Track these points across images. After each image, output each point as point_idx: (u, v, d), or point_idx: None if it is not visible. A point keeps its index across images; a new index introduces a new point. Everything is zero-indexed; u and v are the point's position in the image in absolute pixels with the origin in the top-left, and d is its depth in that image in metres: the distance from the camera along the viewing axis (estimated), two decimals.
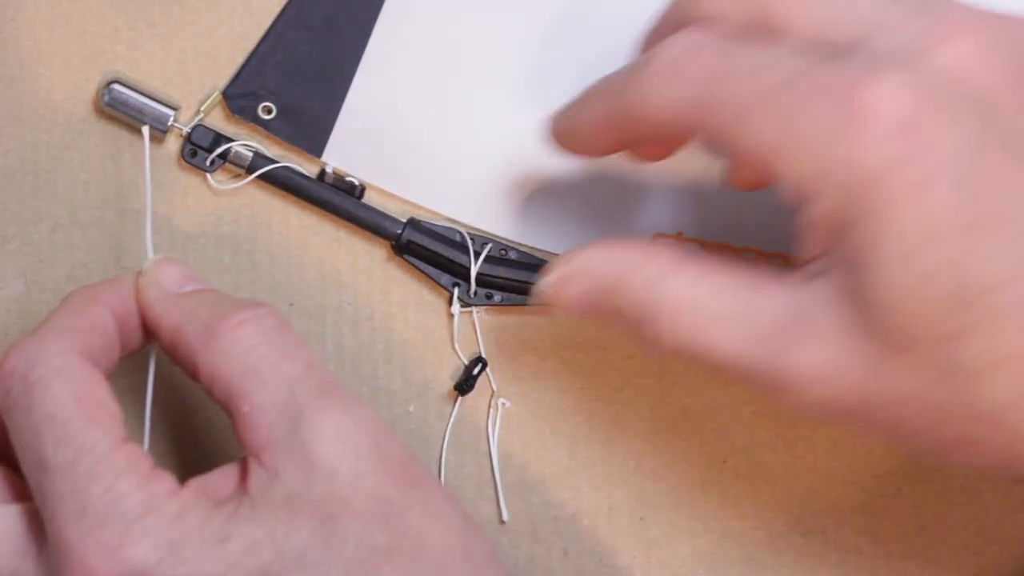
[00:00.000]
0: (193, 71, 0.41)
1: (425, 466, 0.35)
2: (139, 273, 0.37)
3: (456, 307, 0.40)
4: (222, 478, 0.33)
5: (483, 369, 0.41)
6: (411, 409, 0.41)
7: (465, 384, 0.41)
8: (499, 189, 0.41)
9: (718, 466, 0.41)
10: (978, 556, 0.42)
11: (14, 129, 0.41)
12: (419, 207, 0.41)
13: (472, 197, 0.40)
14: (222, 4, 0.41)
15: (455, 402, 0.41)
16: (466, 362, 0.41)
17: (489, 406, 0.41)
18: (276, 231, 0.41)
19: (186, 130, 0.40)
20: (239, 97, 0.41)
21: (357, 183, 0.41)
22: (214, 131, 0.40)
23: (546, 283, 0.36)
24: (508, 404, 0.41)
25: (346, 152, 0.41)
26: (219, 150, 0.40)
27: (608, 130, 0.35)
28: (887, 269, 0.30)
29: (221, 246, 0.41)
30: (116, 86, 0.40)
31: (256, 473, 0.33)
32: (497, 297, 0.41)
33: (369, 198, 0.41)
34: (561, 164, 0.38)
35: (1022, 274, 0.30)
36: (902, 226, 0.30)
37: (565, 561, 0.41)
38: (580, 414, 0.41)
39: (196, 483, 0.33)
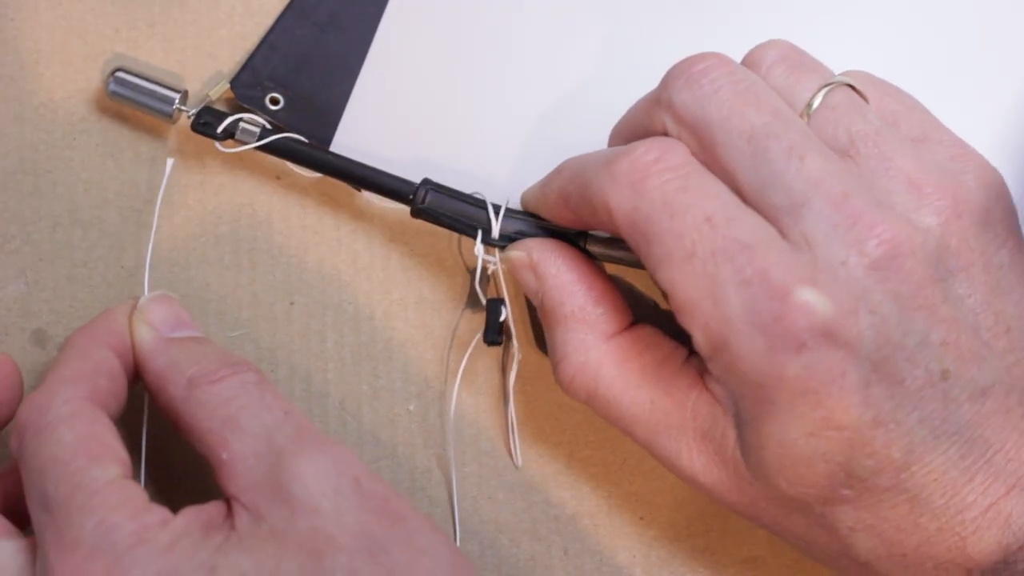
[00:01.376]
0: (193, 71, 0.41)
1: (408, 502, 0.35)
2: (134, 307, 0.38)
3: (480, 247, 0.39)
4: (215, 511, 0.34)
5: (506, 314, 0.40)
6: (411, 408, 0.41)
7: (492, 331, 0.40)
8: (510, 180, 0.41)
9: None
10: None
11: (14, 129, 0.41)
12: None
13: (481, 187, 0.40)
14: (222, 4, 0.41)
15: (466, 353, 0.41)
16: (484, 300, 0.40)
17: (505, 360, 0.41)
18: (276, 231, 0.41)
19: (193, 112, 0.40)
20: (246, 87, 0.41)
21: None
22: (221, 111, 0.40)
23: (513, 256, 0.38)
24: (520, 355, 0.41)
25: (354, 143, 0.41)
26: (227, 121, 0.40)
27: (570, 208, 0.37)
28: (785, 445, 0.33)
29: (221, 246, 0.41)
30: (121, 73, 0.40)
31: (240, 514, 0.33)
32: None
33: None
34: (569, 156, 0.38)
35: (906, 464, 0.32)
36: (811, 421, 0.32)
37: (565, 560, 0.41)
38: (580, 414, 0.41)
39: (189, 512, 0.33)
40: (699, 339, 0.33)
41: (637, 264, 0.37)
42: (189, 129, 0.40)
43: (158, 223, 0.41)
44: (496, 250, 0.39)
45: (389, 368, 0.41)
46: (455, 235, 0.41)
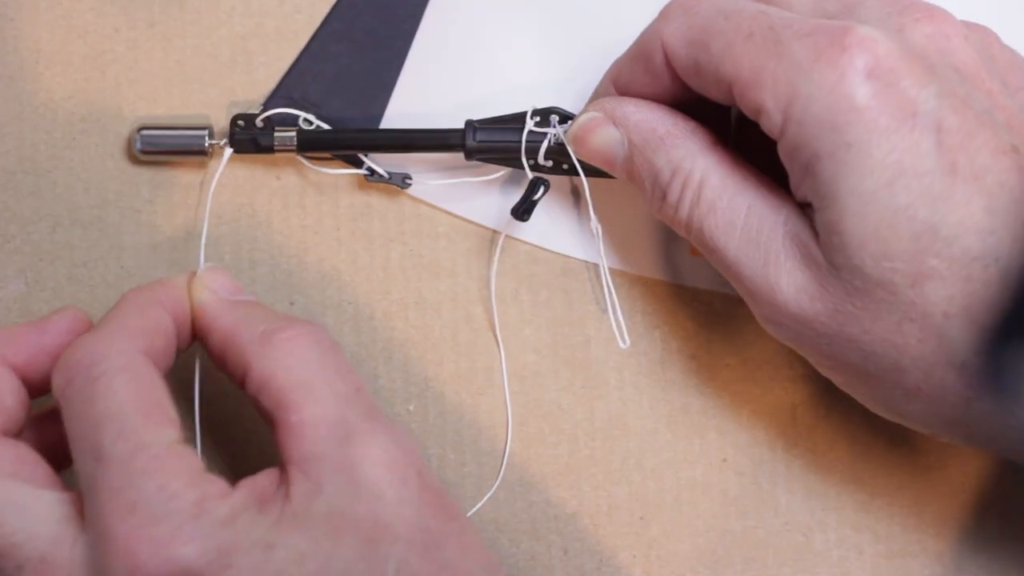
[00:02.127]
0: (193, 71, 0.41)
1: (458, 503, 0.35)
2: (192, 275, 0.38)
3: (526, 167, 0.39)
4: (267, 482, 0.33)
5: (546, 190, 0.39)
6: (411, 408, 0.41)
7: (525, 208, 0.40)
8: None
9: (718, 465, 0.41)
10: (977, 554, 0.42)
11: (14, 129, 0.41)
12: (458, 217, 0.41)
13: (511, 205, 0.40)
14: (222, 4, 0.41)
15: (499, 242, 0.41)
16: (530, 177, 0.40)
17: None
18: (276, 231, 0.41)
19: (224, 142, 0.40)
20: (280, 109, 0.41)
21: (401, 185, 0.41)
22: (252, 115, 0.40)
23: (583, 121, 0.38)
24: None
25: (387, 163, 0.41)
26: (260, 117, 0.40)
27: (627, 81, 0.37)
28: (864, 205, 0.31)
29: (221, 245, 0.41)
30: (145, 131, 0.40)
31: (299, 483, 0.33)
32: (565, 166, 0.40)
33: (413, 207, 0.41)
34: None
35: (991, 228, 0.31)
36: (884, 163, 0.31)
37: (565, 560, 0.41)
38: (580, 414, 0.41)
39: (246, 486, 0.33)
40: (768, 103, 0.33)
41: None
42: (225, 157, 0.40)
43: (157, 221, 0.41)
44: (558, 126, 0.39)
45: (389, 368, 0.41)
46: (455, 236, 0.41)
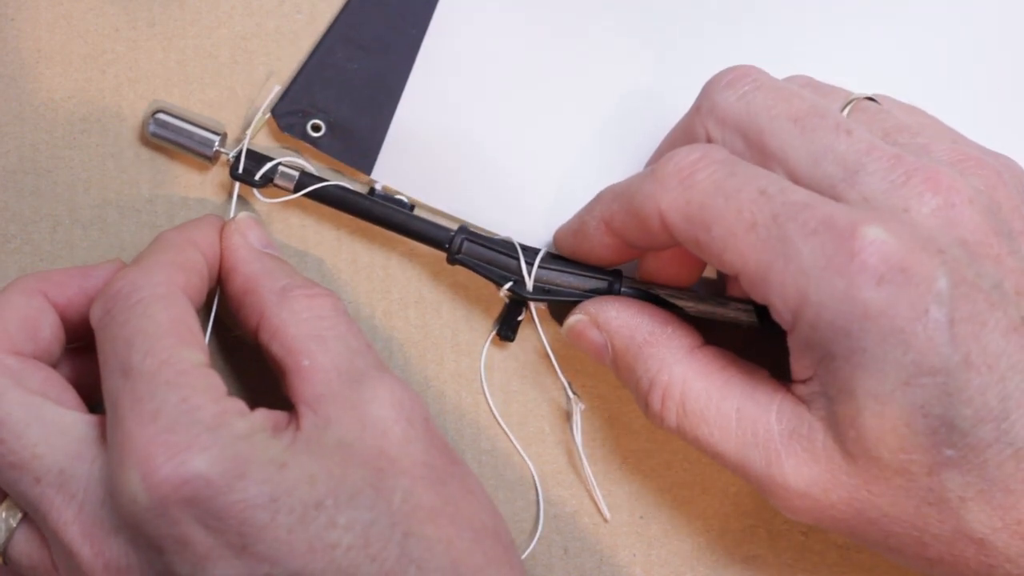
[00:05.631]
0: (193, 71, 0.41)
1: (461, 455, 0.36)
2: (225, 223, 0.39)
3: (503, 291, 0.40)
4: (280, 415, 0.35)
5: (527, 310, 0.40)
6: None
7: (509, 327, 0.41)
8: (549, 206, 0.41)
9: (718, 464, 0.41)
10: None
11: (15, 128, 0.41)
12: (458, 219, 0.41)
13: (521, 214, 0.41)
14: (222, 4, 0.41)
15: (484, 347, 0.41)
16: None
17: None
18: (276, 231, 0.41)
19: (231, 155, 0.40)
20: (288, 114, 0.41)
21: (406, 200, 0.41)
22: (260, 154, 0.40)
23: (571, 323, 0.39)
24: (583, 406, 0.41)
25: (395, 169, 0.41)
26: (264, 169, 0.40)
27: (613, 231, 0.37)
28: (880, 401, 0.32)
29: None
30: (161, 115, 0.40)
31: (308, 418, 0.34)
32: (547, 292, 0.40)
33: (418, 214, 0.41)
34: (612, 180, 0.38)
35: (1005, 413, 0.31)
36: (900, 360, 0.31)
37: (565, 559, 0.41)
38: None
39: (263, 410, 0.34)
40: (778, 304, 0.33)
41: (668, 303, 0.38)
42: (227, 169, 0.40)
43: (158, 222, 0.41)
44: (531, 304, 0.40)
45: (389, 367, 0.41)
46: None
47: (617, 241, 0.37)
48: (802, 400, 0.34)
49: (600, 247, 0.38)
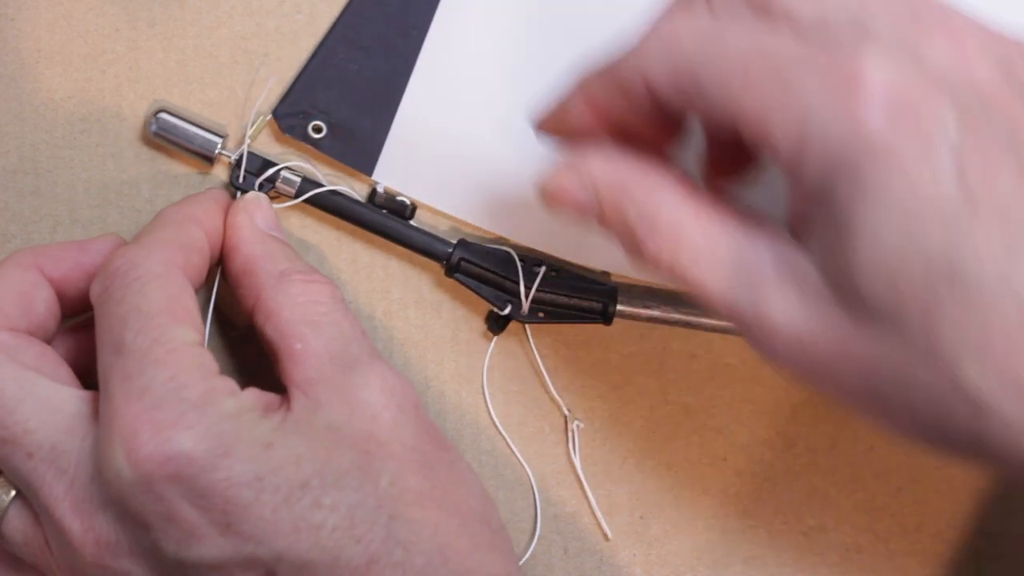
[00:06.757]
0: (193, 71, 0.41)
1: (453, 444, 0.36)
2: (230, 201, 0.39)
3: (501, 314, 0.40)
4: (271, 397, 0.35)
5: (517, 311, 0.40)
6: None
7: (498, 324, 0.41)
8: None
9: (718, 464, 0.41)
10: (978, 555, 0.42)
11: (15, 128, 0.41)
12: (469, 225, 0.41)
13: (522, 215, 0.40)
14: (222, 4, 0.41)
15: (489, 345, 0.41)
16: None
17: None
18: None
19: (233, 158, 0.40)
20: (289, 116, 0.41)
21: (408, 202, 0.41)
22: (262, 158, 0.40)
23: (548, 182, 0.36)
24: (581, 426, 0.41)
25: (397, 170, 0.41)
26: (267, 174, 0.40)
27: (603, 105, 0.35)
28: (878, 236, 0.30)
29: None
30: (163, 115, 0.40)
31: (299, 400, 0.34)
32: (541, 314, 0.40)
33: (420, 217, 0.41)
34: None
35: (1014, 267, 0.30)
36: (902, 196, 0.30)
37: (565, 559, 0.41)
38: (580, 413, 0.41)
39: (253, 391, 0.34)
40: (779, 141, 0.32)
41: (662, 318, 0.38)
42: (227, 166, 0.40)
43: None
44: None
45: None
46: (456, 237, 0.41)
47: (601, 118, 0.36)
48: (798, 241, 0.33)
49: (583, 128, 0.36)
